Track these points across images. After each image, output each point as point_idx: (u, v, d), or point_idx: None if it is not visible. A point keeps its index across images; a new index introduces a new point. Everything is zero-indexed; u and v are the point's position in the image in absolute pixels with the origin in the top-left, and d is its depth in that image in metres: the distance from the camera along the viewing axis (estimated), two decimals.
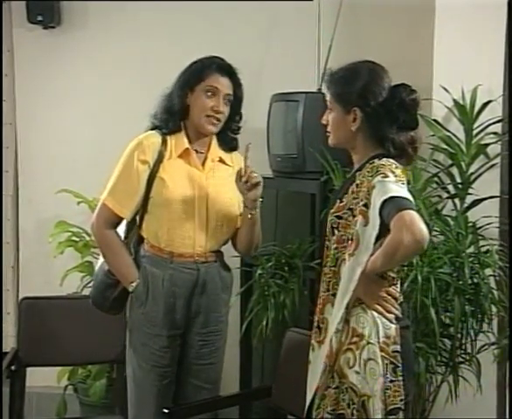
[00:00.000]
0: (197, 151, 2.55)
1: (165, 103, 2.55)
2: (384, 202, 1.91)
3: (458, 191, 3.14)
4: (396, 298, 2.06)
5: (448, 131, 3.16)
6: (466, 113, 3.13)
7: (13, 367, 2.97)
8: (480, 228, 3.02)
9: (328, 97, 2.15)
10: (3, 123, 3.94)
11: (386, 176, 1.97)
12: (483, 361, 2.96)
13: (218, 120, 2.51)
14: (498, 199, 3.20)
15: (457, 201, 3.13)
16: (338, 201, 2.09)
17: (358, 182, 2.04)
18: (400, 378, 2.00)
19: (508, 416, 3.18)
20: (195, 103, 2.50)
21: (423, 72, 3.19)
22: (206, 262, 2.54)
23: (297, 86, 3.29)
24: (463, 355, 2.96)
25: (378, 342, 2.00)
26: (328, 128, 2.15)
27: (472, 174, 3.13)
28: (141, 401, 2.55)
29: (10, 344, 3.92)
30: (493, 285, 2.93)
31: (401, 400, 2.00)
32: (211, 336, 2.60)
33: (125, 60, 3.90)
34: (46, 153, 4.05)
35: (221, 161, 2.59)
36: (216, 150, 2.58)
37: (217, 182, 2.55)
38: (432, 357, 2.81)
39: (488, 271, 2.91)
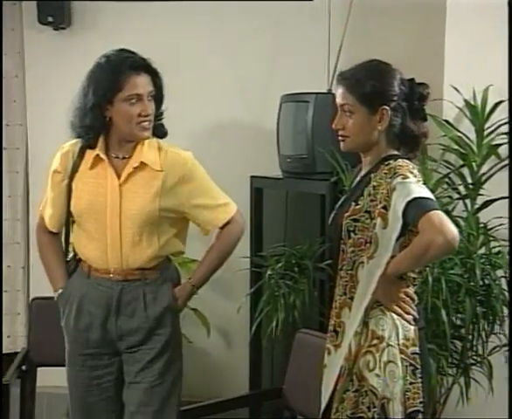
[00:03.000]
0: (118, 157, 2.32)
1: (81, 116, 2.29)
2: (408, 203, 1.92)
3: (469, 192, 3.12)
4: (413, 299, 2.06)
5: (459, 131, 3.14)
6: (477, 113, 3.11)
7: (24, 368, 2.98)
8: (491, 229, 3.00)
9: (348, 100, 2.06)
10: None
11: (406, 177, 1.97)
12: (495, 363, 2.95)
13: (150, 121, 2.30)
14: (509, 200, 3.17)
15: (468, 202, 3.11)
16: (353, 203, 2.07)
17: (375, 183, 2.03)
18: (419, 380, 2.00)
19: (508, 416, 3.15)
20: (118, 115, 2.26)
21: (434, 72, 3.15)
22: (125, 281, 2.31)
23: (307, 87, 3.28)
24: (474, 357, 2.94)
25: (398, 344, 2.00)
26: (345, 133, 2.09)
27: (483, 174, 3.11)
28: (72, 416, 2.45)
29: (20, 344, 3.93)
30: (504, 286, 2.91)
31: (420, 402, 2.00)
32: (141, 354, 2.35)
33: None
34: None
35: (143, 165, 2.29)
36: (140, 154, 2.30)
37: (133, 191, 2.28)
38: (443, 359, 2.80)
39: (500, 273, 2.89)
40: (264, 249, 3.46)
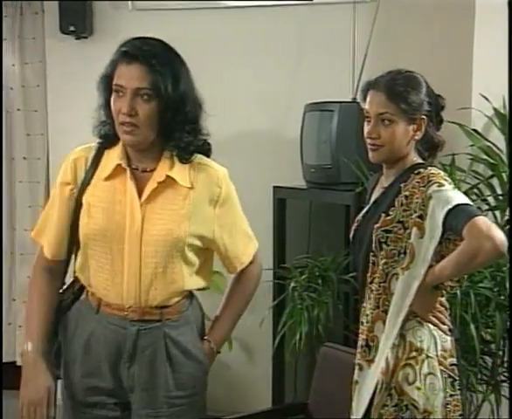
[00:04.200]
0: (137, 169, 1.92)
1: (98, 115, 1.97)
2: (449, 211, 1.90)
3: (499, 203, 3.06)
4: (447, 309, 2.05)
5: (488, 141, 3.10)
6: (507, 122, 3.06)
7: None
8: None
9: (389, 109, 2.01)
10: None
11: (442, 185, 1.96)
12: None
13: (133, 124, 1.83)
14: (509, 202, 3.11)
15: (498, 213, 3.05)
16: (383, 214, 2.04)
17: (407, 193, 2.01)
18: (458, 392, 1.99)
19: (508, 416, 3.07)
20: None
21: (462, 80, 3.13)
22: (142, 320, 1.90)
23: (330, 95, 3.24)
24: (505, 373, 2.87)
25: (437, 356, 1.99)
26: (380, 142, 2.04)
27: None
28: None
29: None
30: None
31: (460, 415, 1.99)
32: None
33: None
34: None
35: (170, 180, 1.90)
36: (165, 166, 1.90)
37: (157, 213, 1.89)
38: (473, 375, 2.75)
39: None
40: (287, 260, 3.42)
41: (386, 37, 3.41)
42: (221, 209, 1.96)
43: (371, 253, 2.05)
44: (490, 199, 3.08)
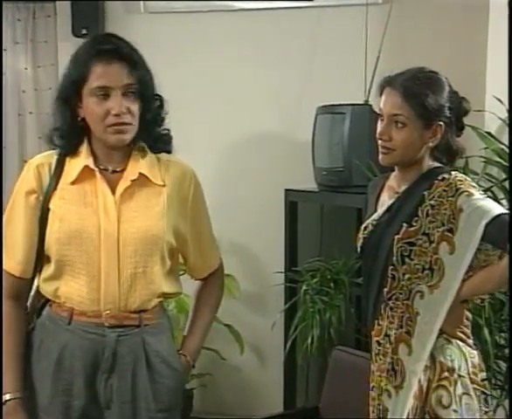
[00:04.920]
0: (107, 170, 1.85)
1: (52, 121, 1.88)
2: (488, 224, 1.80)
3: None
4: (469, 320, 1.97)
5: (502, 143, 3.07)
6: None
7: None
8: None
9: (404, 111, 1.89)
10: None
11: (472, 194, 1.86)
12: None
13: (127, 124, 1.80)
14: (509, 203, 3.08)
15: None
16: (405, 225, 1.90)
17: (433, 203, 1.89)
18: (491, 406, 1.91)
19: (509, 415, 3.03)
20: (87, 113, 1.82)
21: (475, 83, 3.10)
22: (121, 326, 1.81)
23: (342, 98, 3.23)
24: None
25: (468, 374, 1.89)
26: (391, 145, 1.92)
27: None
28: None
29: None
30: None
31: None
32: None
33: (167, 76, 3.86)
34: None
35: (143, 177, 1.85)
36: (137, 165, 1.85)
37: (134, 211, 1.83)
38: (486, 380, 2.70)
39: None
40: (299, 264, 3.41)
41: (398, 38, 3.40)
42: (192, 208, 1.91)
43: (391, 267, 1.91)
44: (504, 202, 3.04)
